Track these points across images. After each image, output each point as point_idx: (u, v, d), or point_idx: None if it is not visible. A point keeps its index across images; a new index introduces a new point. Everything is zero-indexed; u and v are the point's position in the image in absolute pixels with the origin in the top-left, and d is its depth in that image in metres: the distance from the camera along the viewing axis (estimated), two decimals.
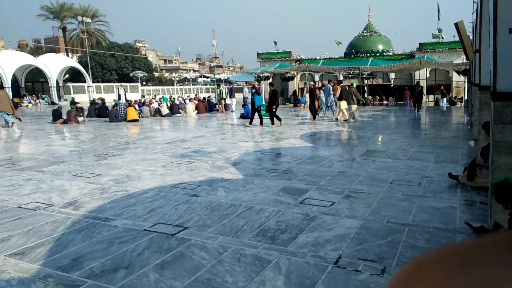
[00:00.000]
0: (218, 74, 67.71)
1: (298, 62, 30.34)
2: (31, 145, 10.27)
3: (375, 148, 9.21)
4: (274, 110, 13.43)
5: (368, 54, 29.27)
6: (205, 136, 11.64)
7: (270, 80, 31.03)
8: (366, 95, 25.59)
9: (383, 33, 32.22)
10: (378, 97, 27.51)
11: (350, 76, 26.07)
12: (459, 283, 0.26)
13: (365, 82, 27.25)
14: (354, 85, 15.93)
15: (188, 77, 55.02)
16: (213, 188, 5.70)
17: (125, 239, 3.88)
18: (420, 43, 27.85)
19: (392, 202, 4.93)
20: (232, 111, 21.23)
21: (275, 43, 33.41)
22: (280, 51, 32.86)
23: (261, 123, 13.84)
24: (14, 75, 29.82)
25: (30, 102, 28.96)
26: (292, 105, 27.17)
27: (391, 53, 29.22)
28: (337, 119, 15.55)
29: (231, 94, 21.90)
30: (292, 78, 28.78)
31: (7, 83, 28.12)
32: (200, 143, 10.19)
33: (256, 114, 13.72)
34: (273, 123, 13.46)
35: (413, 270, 0.29)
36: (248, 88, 22.33)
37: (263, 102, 15.37)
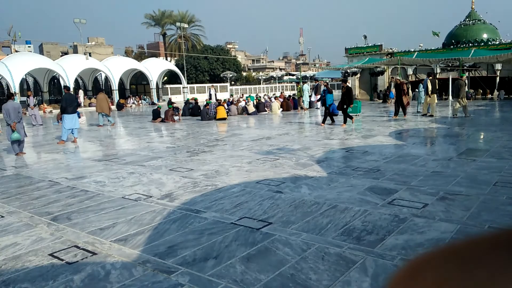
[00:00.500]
0: (304, 71, 67.34)
1: (389, 56, 28.74)
2: (134, 141, 11.33)
3: (476, 146, 8.35)
4: (346, 108, 12.87)
5: (470, 44, 26.55)
6: (290, 133, 11.68)
7: (358, 76, 29.99)
8: (467, 89, 23.32)
9: (488, 21, 28.94)
10: (481, 91, 24.85)
11: (449, 68, 23.95)
12: (458, 281, 0.26)
13: (466, 74, 24.83)
14: (464, 78, 14.76)
15: (274, 76, 55.69)
16: (297, 185, 5.69)
17: (214, 231, 4.07)
18: None
19: (495, 206, 4.42)
20: (317, 108, 20.96)
21: (365, 36, 32.12)
22: (370, 45, 31.47)
23: (332, 121, 13.51)
24: (121, 79, 33.20)
25: (133, 103, 31.97)
26: (381, 100, 25.91)
27: (497, 42, 26.14)
28: (431, 115, 14.46)
29: (316, 91, 21.61)
30: (382, 73, 27.40)
31: (115, 85, 31.40)
32: (284, 140, 10.26)
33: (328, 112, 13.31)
34: (345, 122, 12.89)
35: (412, 269, 0.29)
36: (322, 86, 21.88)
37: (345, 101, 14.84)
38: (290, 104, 21.05)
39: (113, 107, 28.88)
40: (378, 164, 6.82)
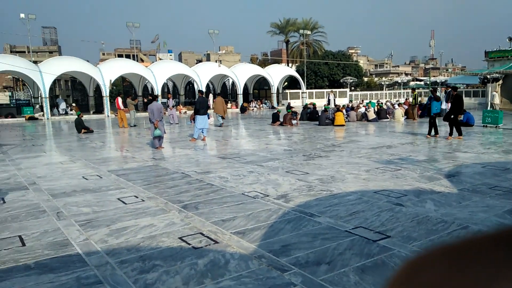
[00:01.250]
0: (434, 76, 61.92)
1: None
2: (254, 143, 11.88)
3: None
4: (453, 118, 11.20)
5: None
6: (414, 143, 10.83)
7: (500, 83, 26.25)
8: None
9: None
10: None
11: None
12: (457, 280, 0.26)
13: None
14: None
15: (399, 81, 52.31)
16: (421, 199, 5.24)
17: (327, 236, 4.02)
18: None
19: None
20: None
21: (510, 39, 28.08)
22: None
23: (436, 133, 11.85)
24: (245, 84, 35.25)
25: (255, 106, 33.63)
26: None
27: None
28: None
29: (448, 98, 19.56)
30: None
31: (240, 90, 33.49)
32: (407, 150, 9.56)
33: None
34: (460, 134, 11.21)
35: (411, 268, 0.29)
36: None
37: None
38: (416, 112, 19.53)
39: (237, 110, 30.80)
40: None
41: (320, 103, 29.46)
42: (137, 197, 5.64)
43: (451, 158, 8.24)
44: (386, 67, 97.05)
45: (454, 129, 11.41)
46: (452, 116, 11.30)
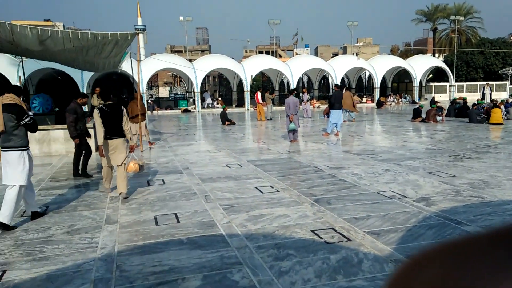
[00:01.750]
0: None
1: None
2: (391, 139, 11.19)
3: None
4: None
5: None
6: None
7: None
8: None
9: None
10: None
11: None
12: (457, 278, 0.26)
13: None
14: None
15: None
16: None
17: None
18: None
19: None
20: None
21: None
22: None
23: None
24: (383, 77, 33.31)
25: (393, 101, 31.54)
26: None
27: None
28: None
29: None
30: None
31: (377, 83, 31.81)
32: None
33: None
34: None
35: (412, 267, 0.29)
36: None
37: None
38: None
39: (373, 105, 29.43)
40: None
41: (472, 98, 26.00)
42: (272, 187, 5.92)
43: None
44: None
45: None
46: None
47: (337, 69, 30.95)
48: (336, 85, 13.56)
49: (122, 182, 5.52)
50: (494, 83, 35.45)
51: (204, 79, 30.44)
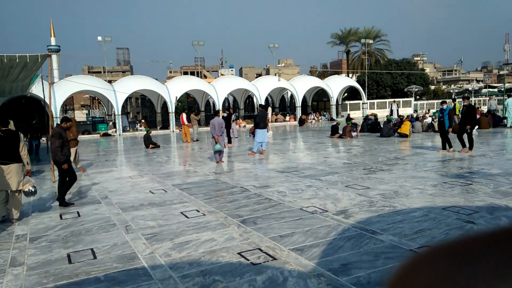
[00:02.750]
0: (509, 82, 56.96)
1: None
2: (312, 156, 11.75)
3: None
4: (468, 131, 10.17)
5: None
6: (487, 155, 10.00)
7: None
8: None
9: None
10: None
11: None
12: (456, 279, 0.26)
13: None
14: None
15: (470, 88, 48.70)
16: (495, 216, 4.82)
17: (391, 256, 3.84)
18: None
19: None
20: None
21: None
22: None
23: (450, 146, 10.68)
24: (304, 96, 35.11)
25: (314, 119, 33.33)
26: None
27: None
28: None
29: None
30: None
31: (299, 102, 33.40)
32: (479, 163, 8.85)
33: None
34: (465, 146, 10.29)
35: (411, 268, 0.29)
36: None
37: None
38: (490, 121, 18.12)
39: (295, 123, 30.72)
40: None
41: (382, 114, 28.42)
42: (198, 211, 5.83)
43: None
44: (455, 74, 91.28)
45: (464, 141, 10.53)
46: (465, 128, 10.32)
47: (261, 89, 31.94)
48: (260, 105, 13.95)
49: (16, 207, 5.70)
50: (401, 99, 39.23)
51: (126, 100, 29.33)
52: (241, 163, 10.78)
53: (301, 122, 29.08)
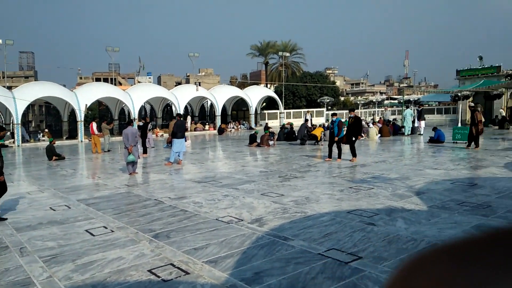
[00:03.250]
0: (408, 95, 63.67)
1: (509, 78, 25.97)
2: (230, 165, 11.83)
3: None
4: (354, 141, 11.19)
5: None
6: (387, 161, 11.02)
7: (470, 100, 27.28)
8: None
9: None
10: None
11: None
12: (455, 280, 0.26)
13: None
14: None
15: (374, 100, 53.66)
16: (392, 218, 5.30)
17: (301, 260, 3.98)
18: None
19: None
20: (420, 134, 19.52)
21: (480, 58, 29.65)
22: (485, 66, 28.90)
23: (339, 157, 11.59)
24: (224, 105, 35.35)
25: (233, 128, 33.69)
26: (497, 127, 23.14)
27: None
28: None
29: (420, 116, 20.18)
30: (499, 96, 24.70)
31: (218, 111, 33.52)
32: (380, 168, 9.71)
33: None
34: (354, 156, 11.27)
35: (410, 269, 0.29)
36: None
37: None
38: (390, 130, 20.01)
39: (215, 132, 30.73)
40: (489, 199, 6.02)
41: (298, 123, 29.77)
42: (106, 228, 5.46)
43: (422, 175, 8.41)
44: (362, 86, 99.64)
45: (337, 151, 11.39)
46: (353, 139, 11.10)
47: (180, 98, 31.34)
48: (178, 114, 13.66)
49: None
50: (314, 110, 41.60)
51: (28, 108, 26.65)
52: (157, 174, 10.42)
53: (221, 131, 29.18)
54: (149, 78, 68.49)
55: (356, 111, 18.86)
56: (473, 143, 12.97)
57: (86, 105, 25.39)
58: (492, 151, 12.14)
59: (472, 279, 0.26)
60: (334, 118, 11.67)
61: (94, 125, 18.02)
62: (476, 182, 7.51)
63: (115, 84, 40.61)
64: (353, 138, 11.13)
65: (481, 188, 6.94)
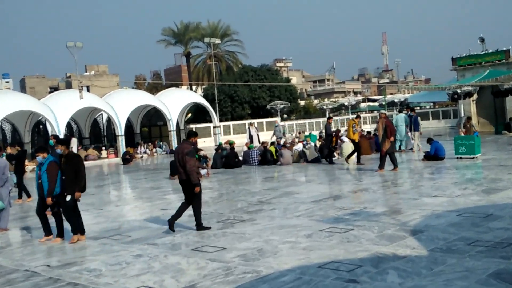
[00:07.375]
0: (391, 94, 67.12)
1: None
2: (144, 209, 11.65)
3: None
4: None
5: None
6: (370, 189, 11.47)
7: (474, 97, 29.22)
8: None
9: None
10: None
11: None
12: None
13: None
14: None
15: (346, 103, 55.65)
16: (381, 270, 5.51)
17: None
18: None
19: None
20: (410, 149, 20.50)
21: (482, 39, 31.87)
22: (489, 51, 31.11)
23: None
24: (128, 119, 34.70)
25: (145, 152, 33.21)
26: None
27: None
28: None
29: (415, 125, 20.35)
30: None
31: (120, 129, 32.72)
32: (361, 200, 10.09)
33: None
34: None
35: None
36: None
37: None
38: (372, 145, 20.75)
39: (117, 159, 30.06)
40: (510, 235, 6.47)
41: (241, 141, 30.06)
42: None
43: (418, 207, 8.86)
44: (329, 84, 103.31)
45: None
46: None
47: (59, 110, 30.18)
48: (53, 135, 13.28)
49: None
50: (264, 120, 42.34)
51: None
52: (27, 228, 9.98)
53: (126, 159, 28.47)
54: (6, 82, 65.84)
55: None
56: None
57: None
58: (509, 168, 13.06)
59: None
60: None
61: None
62: (491, 211, 8.02)
63: None
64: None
65: (498, 219, 7.43)
